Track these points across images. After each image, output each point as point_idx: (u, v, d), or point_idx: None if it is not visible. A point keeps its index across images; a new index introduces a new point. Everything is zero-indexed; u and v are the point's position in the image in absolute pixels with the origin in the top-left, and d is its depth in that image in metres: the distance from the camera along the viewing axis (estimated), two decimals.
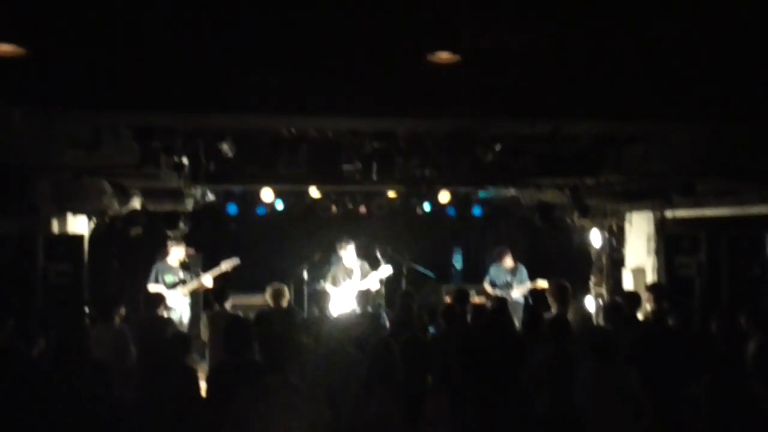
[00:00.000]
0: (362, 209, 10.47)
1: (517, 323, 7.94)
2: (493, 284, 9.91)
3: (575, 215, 9.62)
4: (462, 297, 7.66)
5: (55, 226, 7.62)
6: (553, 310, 7.08)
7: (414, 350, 4.74)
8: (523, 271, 9.91)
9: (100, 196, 7.73)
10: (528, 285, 9.73)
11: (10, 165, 6.38)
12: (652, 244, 9.35)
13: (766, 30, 4.12)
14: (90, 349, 5.68)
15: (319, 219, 10.65)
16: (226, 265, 9.02)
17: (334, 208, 10.46)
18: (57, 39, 4.26)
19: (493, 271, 10.06)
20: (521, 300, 9.77)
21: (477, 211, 10.77)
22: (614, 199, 9.15)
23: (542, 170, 8.05)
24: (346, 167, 7.97)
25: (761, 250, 7.86)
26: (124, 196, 8.10)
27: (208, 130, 7.26)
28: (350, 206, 10.51)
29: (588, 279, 10.25)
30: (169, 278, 8.78)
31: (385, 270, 9.85)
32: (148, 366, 5.59)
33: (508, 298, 9.70)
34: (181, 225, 9.22)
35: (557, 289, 7.26)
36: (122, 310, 6.69)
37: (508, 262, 9.90)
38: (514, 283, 9.78)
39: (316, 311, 7.78)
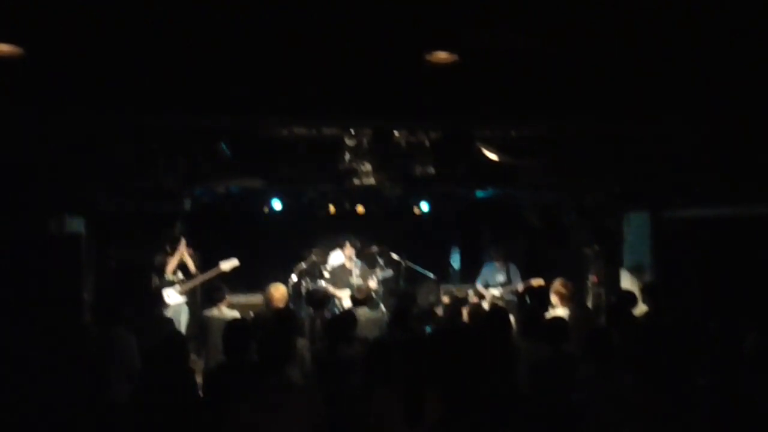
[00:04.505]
0: (361, 209, 10.46)
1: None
2: (487, 284, 9.92)
3: (574, 215, 9.64)
4: (461, 299, 7.67)
5: (54, 226, 7.61)
6: (558, 309, 7.08)
7: (412, 350, 4.73)
8: (516, 270, 9.93)
9: (98, 196, 7.72)
10: (520, 283, 9.74)
11: (10, 165, 6.38)
12: (651, 244, 9.37)
13: (764, 30, 4.13)
14: (88, 350, 5.69)
15: (317, 219, 10.64)
16: (224, 266, 9.02)
17: (332, 208, 10.44)
18: (56, 39, 4.25)
19: (485, 271, 10.07)
20: (514, 299, 9.78)
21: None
22: (613, 199, 9.16)
23: (541, 170, 8.06)
24: (345, 167, 7.96)
25: (760, 250, 7.87)
26: (123, 197, 8.09)
27: (206, 130, 7.25)
28: (348, 206, 10.50)
29: (586, 279, 10.26)
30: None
31: (385, 273, 9.88)
32: (147, 366, 5.57)
33: (503, 296, 9.73)
34: (179, 225, 9.22)
35: (563, 288, 7.25)
36: (120, 311, 6.67)
37: (501, 260, 9.94)
38: (507, 282, 9.80)
39: (314, 312, 7.77)
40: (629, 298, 7.37)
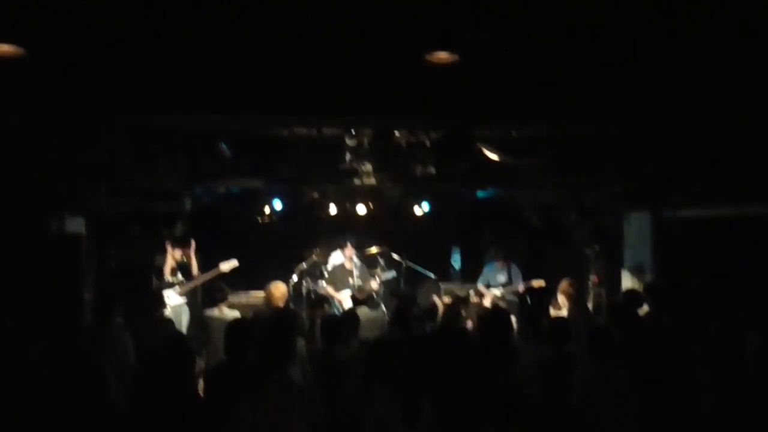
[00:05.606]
0: (361, 209, 10.45)
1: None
2: (488, 285, 9.92)
3: (574, 215, 9.63)
4: (462, 299, 7.66)
5: (54, 226, 7.60)
6: (565, 309, 7.07)
7: (413, 350, 4.73)
8: (517, 271, 9.93)
9: (98, 197, 7.72)
10: (522, 284, 9.74)
11: (10, 165, 6.38)
12: (651, 244, 9.36)
13: (764, 30, 4.12)
14: (88, 351, 5.69)
15: (317, 219, 10.64)
16: (224, 267, 9.02)
17: (333, 208, 10.43)
18: (56, 39, 4.25)
19: (487, 270, 10.06)
20: (516, 299, 9.78)
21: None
22: (613, 199, 9.15)
23: (541, 170, 8.05)
24: (345, 167, 7.96)
25: (761, 250, 7.87)
26: (122, 197, 8.09)
27: (206, 130, 7.25)
28: (349, 206, 10.49)
29: (586, 279, 10.25)
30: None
31: (387, 274, 9.87)
32: (147, 367, 5.57)
33: (504, 297, 9.72)
34: (179, 225, 9.22)
35: (571, 288, 7.24)
36: (120, 311, 6.68)
37: (501, 261, 9.93)
38: (509, 283, 9.79)
39: (313, 312, 7.77)
40: (635, 299, 7.35)
